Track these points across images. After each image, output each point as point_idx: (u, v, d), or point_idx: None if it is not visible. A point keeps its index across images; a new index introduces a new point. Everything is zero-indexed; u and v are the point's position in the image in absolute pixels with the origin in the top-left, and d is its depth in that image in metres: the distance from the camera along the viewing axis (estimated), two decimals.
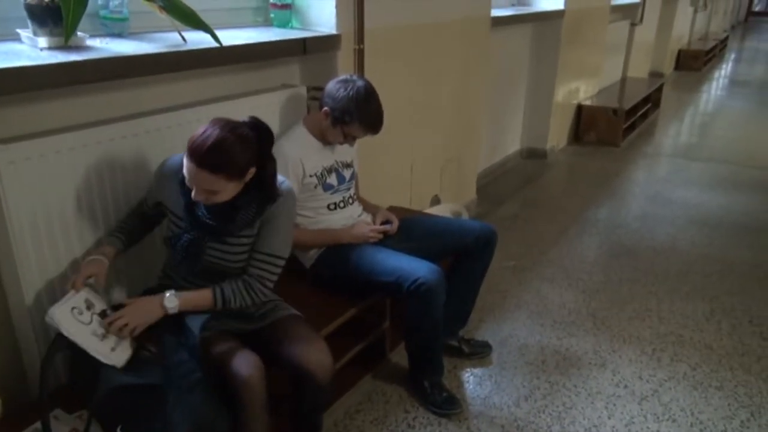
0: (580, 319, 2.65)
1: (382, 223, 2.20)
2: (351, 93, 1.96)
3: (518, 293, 2.86)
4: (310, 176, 2.04)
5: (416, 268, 1.94)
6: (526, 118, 4.85)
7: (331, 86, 2.00)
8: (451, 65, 3.15)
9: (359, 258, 2.02)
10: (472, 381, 2.24)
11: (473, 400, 2.14)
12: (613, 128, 5.32)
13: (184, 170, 1.44)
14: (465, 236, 2.22)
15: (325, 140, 2.08)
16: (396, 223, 2.21)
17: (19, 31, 1.60)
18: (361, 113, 1.97)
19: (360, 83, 1.98)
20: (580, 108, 5.42)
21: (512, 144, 4.82)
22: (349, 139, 2.06)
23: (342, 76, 2.03)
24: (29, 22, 1.55)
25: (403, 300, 1.97)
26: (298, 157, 2.00)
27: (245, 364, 1.43)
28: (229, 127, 1.42)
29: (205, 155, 1.39)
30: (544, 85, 4.70)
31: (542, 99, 4.74)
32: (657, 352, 2.43)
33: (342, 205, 2.15)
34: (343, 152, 2.17)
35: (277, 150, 1.99)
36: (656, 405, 2.13)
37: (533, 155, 4.93)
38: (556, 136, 5.06)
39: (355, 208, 2.22)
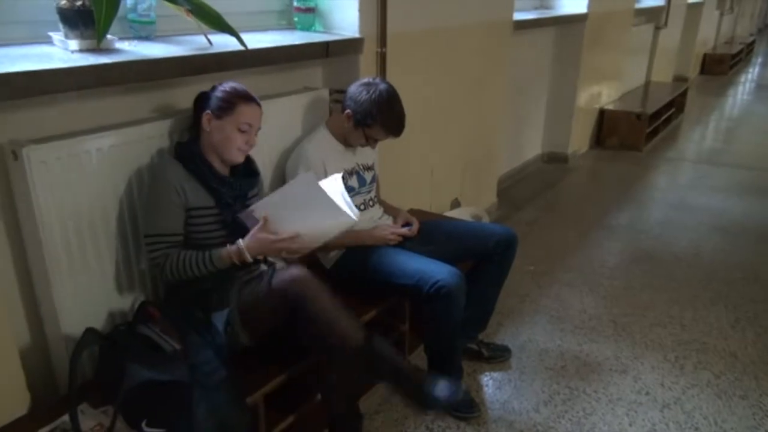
0: (600, 325, 2.63)
1: (403, 226, 2.21)
2: (373, 96, 1.97)
3: (538, 297, 2.84)
4: None
5: (436, 270, 1.95)
6: (547, 122, 4.83)
7: (354, 89, 2.01)
8: (473, 69, 3.15)
9: (380, 260, 2.03)
10: (492, 385, 2.24)
11: (492, 404, 2.13)
12: (635, 133, 5.27)
13: (243, 116, 1.65)
14: (486, 240, 2.21)
15: (347, 143, 2.09)
16: (416, 226, 2.22)
17: (50, 34, 1.64)
18: (383, 116, 1.98)
19: (382, 86, 2.00)
20: (602, 112, 5.37)
21: (533, 148, 4.80)
22: (371, 141, 2.07)
23: (364, 79, 2.04)
24: (61, 26, 1.58)
25: (422, 302, 1.98)
26: (321, 160, 2.02)
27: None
28: (227, 81, 1.70)
29: (252, 94, 1.67)
30: (566, 89, 4.68)
31: (564, 103, 4.72)
32: (680, 360, 2.40)
33: (363, 207, 2.16)
34: (364, 155, 2.18)
35: (299, 151, 2.03)
36: (679, 413, 2.11)
37: (554, 159, 4.90)
38: (578, 140, 5.03)
39: (376, 211, 2.23)
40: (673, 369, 2.34)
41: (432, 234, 2.23)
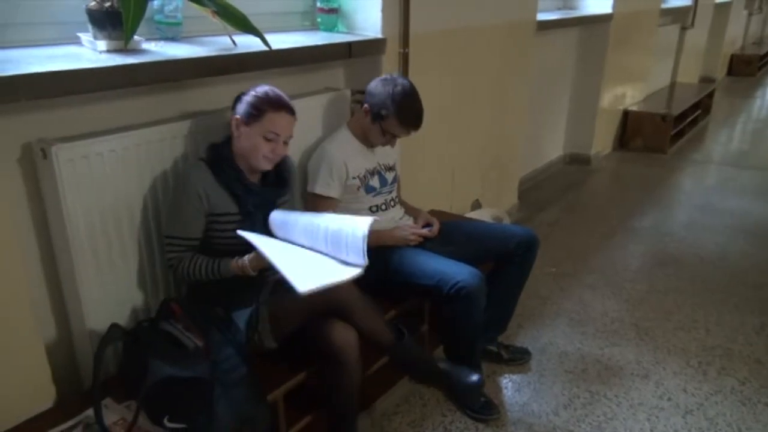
0: (622, 329, 2.60)
1: (423, 227, 2.21)
2: (389, 88, 1.98)
3: (559, 300, 2.82)
4: (353, 178, 2.06)
5: (457, 271, 1.94)
6: (569, 123, 4.78)
7: (373, 84, 2.03)
8: (495, 69, 3.14)
9: (400, 260, 2.03)
10: (511, 387, 2.23)
11: (511, 407, 2.12)
12: (660, 134, 5.20)
13: (270, 125, 1.63)
14: (506, 241, 2.20)
15: (368, 142, 2.10)
16: (437, 226, 2.22)
17: (79, 35, 1.67)
18: (397, 107, 1.98)
19: (400, 80, 2.01)
20: (626, 113, 5.31)
21: (555, 149, 4.76)
22: (389, 137, 2.06)
23: (384, 75, 2.05)
24: (89, 26, 1.61)
25: (443, 303, 1.98)
26: (342, 160, 2.03)
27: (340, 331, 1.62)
28: (263, 85, 1.69)
29: (287, 101, 1.67)
30: (590, 90, 4.63)
31: (587, 104, 4.67)
32: (703, 365, 2.36)
33: (384, 207, 2.17)
34: (386, 155, 2.18)
35: (321, 152, 2.04)
36: (701, 419, 2.08)
37: (576, 161, 4.86)
38: (601, 141, 4.97)
39: (397, 211, 2.24)
40: (697, 374, 2.31)
41: (452, 235, 2.23)
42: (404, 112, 2.00)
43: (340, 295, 1.64)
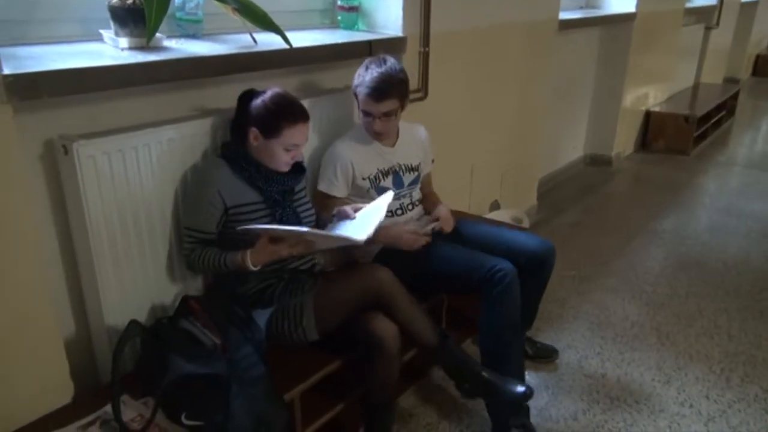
0: (643, 333, 2.56)
1: (434, 220, 2.11)
2: (363, 64, 1.96)
3: (578, 303, 2.78)
4: (363, 179, 2.02)
5: (491, 258, 1.93)
6: (590, 123, 4.73)
7: None
8: (516, 69, 3.11)
9: (424, 255, 1.98)
10: None
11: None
12: (683, 136, 5.12)
13: (289, 139, 1.64)
14: (518, 255, 2.04)
15: (382, 139, 2.05)
16: (446, 219, 2.11)
17: (102, 32, 1.67)
18: (360, 78, 1.93)
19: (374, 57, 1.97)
20: (648, 114, 5.23)
21: (575, 150, 4.71)
22: (375, 121, 1.95)
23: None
24: (111, 23, 1.62)
25: (474, 290, 1.92)
26: (348, 159, 1.99)
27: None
28: (272, 89, 1.68)
29: (300, 108, 1.66)
30: (611, 91, 4.57)
31: (609, 104, 4.61)
32: (726, 372, 2.32)
33: (399, 212, 2.11)
34: (408, 154, 2.12)
35: (331, 150, 2.01)
36: (724, 427, 2.03)
37: (597, 162, 4.80)
38: (622, 143, 4.91)
39: (414, 215, 2.16)
40: (719, 381, 2.26)
41: (466, 239, 2.14)
42: (366, 80, 1.91)
43: (384, 288, 1.71)
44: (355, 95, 1.98)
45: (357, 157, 2.01)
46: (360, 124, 2.08)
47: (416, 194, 2.19)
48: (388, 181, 2.08)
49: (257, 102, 1.65)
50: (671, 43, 5.33)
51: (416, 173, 2.16)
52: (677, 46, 5.50)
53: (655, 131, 5.24)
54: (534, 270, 2.09)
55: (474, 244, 2.09)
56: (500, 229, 2.28)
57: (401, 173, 2.11)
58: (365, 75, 1.93)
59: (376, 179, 2.05)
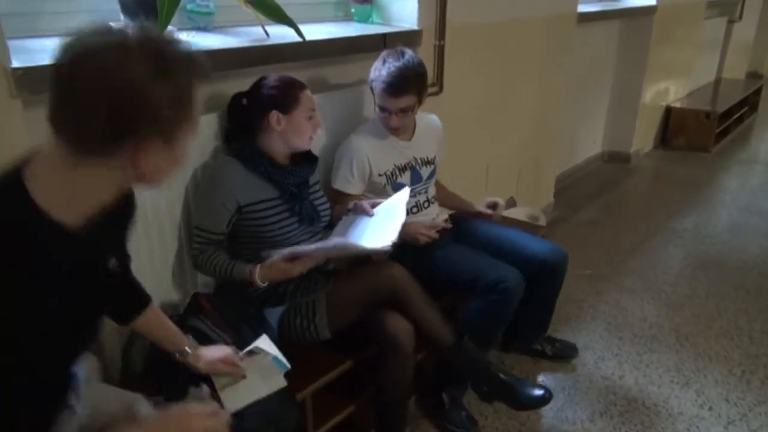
0: (662, 334, 2.51)
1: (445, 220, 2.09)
2: (380, 57, 1.91)
3: (595, 303, 2.73)
4: (379, 175, 1.98)
5: (498, 269, 1.89)
6: (609, 119, 4.65)
7: None
8: (533, 63, 3.05)
9: (436, 257, 1.96)
10: None
11: (545, 413, 2.06)
12: (704, 132, 5.02)
13: (307, 102, 1.64)
14: (529, 262, 2.01)
15: (396, 133, 2.00)
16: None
17: (112, 24, 1.65)
18: (377, 72, 1.89)
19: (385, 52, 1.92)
20: (668, 110, 5.14)
21: (593, 146, 4.64)
22: (393, 117, 1.92)
23: None
24: (122, 16, 1.60)
25: (475, 296, 1.91)
26: (365, 154, 1.95)
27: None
28: (271, 76, 1.66)
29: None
30: (631, 86, 4.49)
31: (628, 100, 4.53)
32: (746, 374, 2.26)
33: (415, 210, 2.07)
34: (423, 147, 2.08)
35: (346, 144, 1.97)
36: (744, 430, 1.99)
37: (616, 159, 4.72)
38: (642, 139, 4.83)
39: (432, 212, 2.13)
40: (740, 384, 2.21)
41: (471, 238, 2.10)
42: (383, 75, 1.87)
43: (399, 286, 1.70)
44: (372, 89, 1.94)
45: (373, 152, 1.97)
46: (375, 117, 2.04)
47: (431, 190, 2.15)
48: (405, 177, 2.03)
49: (264, 91, 1.63)
50: (692, 37, 5.23)
51: (433, 166, 2.12)
52: (699, 39, 5.39)
53: (675, 127, 5.14)
54: (545, 278, 2.06)
55: (483, 247, 2.05)
56: (512, 232, 2.19)
57: (418, 168, 2.07)
58: (382, 69, 1.88)
59: (392, 175, 2.01)
